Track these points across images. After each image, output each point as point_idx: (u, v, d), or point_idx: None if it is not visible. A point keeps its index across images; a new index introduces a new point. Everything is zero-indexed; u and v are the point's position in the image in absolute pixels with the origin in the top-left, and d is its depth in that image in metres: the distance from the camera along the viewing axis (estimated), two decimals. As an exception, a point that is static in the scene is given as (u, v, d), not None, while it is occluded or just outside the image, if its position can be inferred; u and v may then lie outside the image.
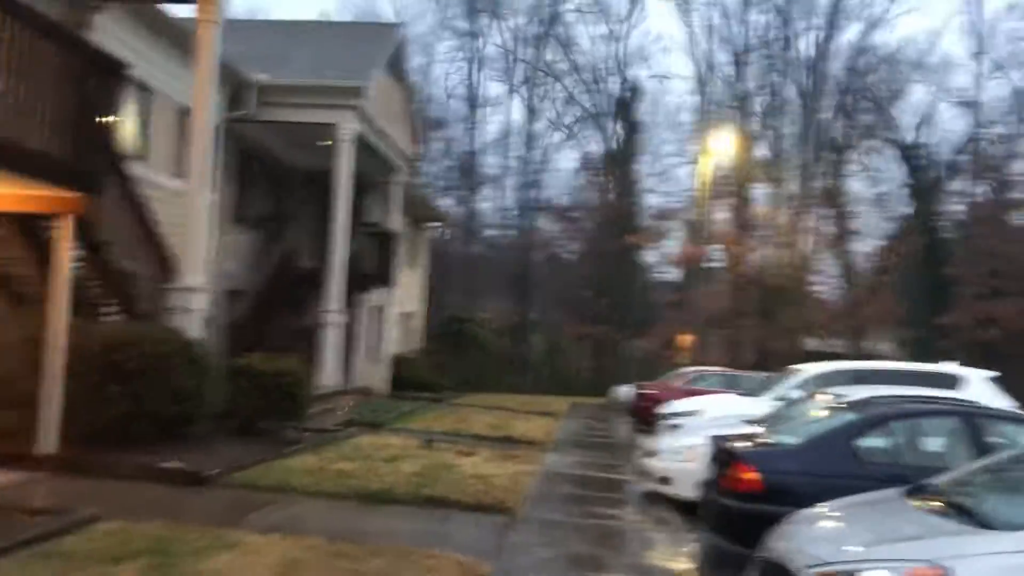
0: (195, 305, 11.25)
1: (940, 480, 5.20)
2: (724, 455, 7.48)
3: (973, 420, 6.90)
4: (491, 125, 49.34)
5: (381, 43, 19.31)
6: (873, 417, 7.05)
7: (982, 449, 6.66)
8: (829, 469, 6.73)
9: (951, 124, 45.63)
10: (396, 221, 21.46)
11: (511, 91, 48.08)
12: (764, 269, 39.07)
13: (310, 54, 17.92)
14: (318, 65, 17.44)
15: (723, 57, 43.87)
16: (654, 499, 9.77)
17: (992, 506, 4.46)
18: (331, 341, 16.78)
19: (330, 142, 17.32)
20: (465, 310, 35.80)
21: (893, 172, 45.18)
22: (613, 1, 45.80)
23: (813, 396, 10.65)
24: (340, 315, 16.98)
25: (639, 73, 46.77)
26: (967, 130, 44.29)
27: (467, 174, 47.80)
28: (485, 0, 46.41)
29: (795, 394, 11.90)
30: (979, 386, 11.45)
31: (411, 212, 25.73)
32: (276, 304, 18.17)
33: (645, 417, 18.80)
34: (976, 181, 44.35)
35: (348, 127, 16.98)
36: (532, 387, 36.46)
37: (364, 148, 18.17)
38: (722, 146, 33.55)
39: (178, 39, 13.30)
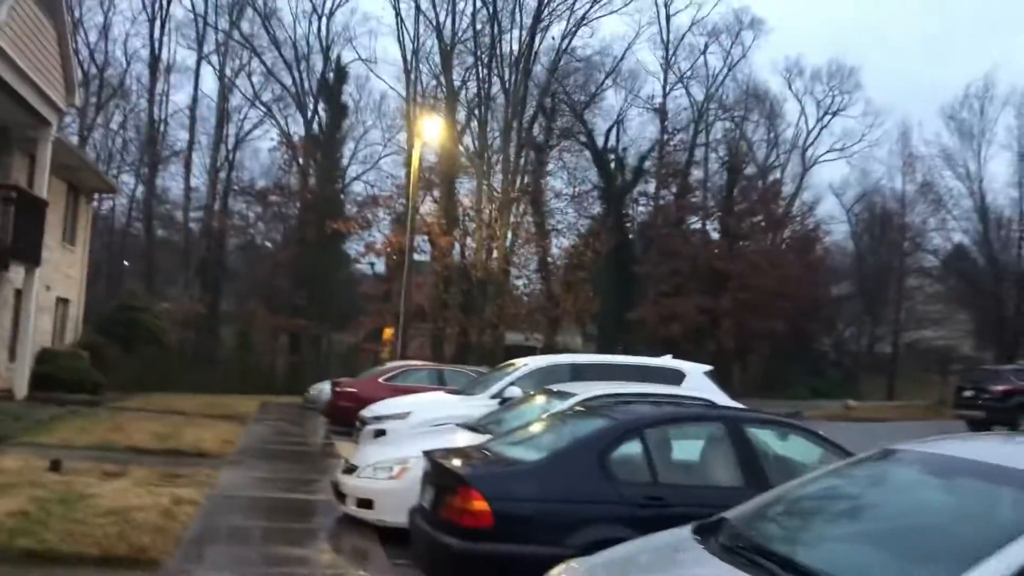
0: None
1: (736, 515, 3.85)
2: (442, 476, 5.85)
3: (736, 427, 5.78)
4: (178, 96, 44.68)
5: (24, -35, 15.56)
6: (628, 424, 5.71)
7: (747, 461, 5.59)
8: (577, 494, 5.31)
9: (640, 130, 48.49)
10: (44, 186, 17.62)
11: (200, 60, 43.64)
12: (468, 262, 38.64)
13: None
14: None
15: (431, 44, 42.89)
16: (353, 527, 7.90)
17: (842, 565, 3.07)
18: (-59, 332, 13.07)
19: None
20: (141, 299, 31.46)
21: (589, 172, 47.13)
22: (316, -27, 43.11)
23: (534, 396, 9.46)
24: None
25: (345, 54, 44.61)
26: (654, 137, 47.27)
27: (149, 148, 42.70)
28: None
29: (514, 392, 10.66)
30: (699, 380, 10.90)
31: (69, 178, 21.64)
32: None
33: (344, 419, 16.84)
34: (660, 185, 47.46)
35: (-29, 61, 13.36)
36: (221, 386, 32.90)
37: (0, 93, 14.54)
38: (429, 135, 32.43)
39: None
